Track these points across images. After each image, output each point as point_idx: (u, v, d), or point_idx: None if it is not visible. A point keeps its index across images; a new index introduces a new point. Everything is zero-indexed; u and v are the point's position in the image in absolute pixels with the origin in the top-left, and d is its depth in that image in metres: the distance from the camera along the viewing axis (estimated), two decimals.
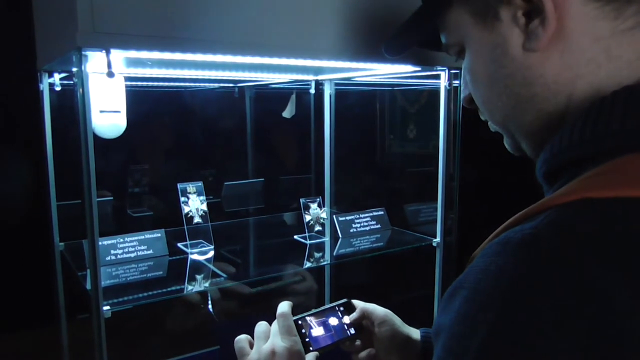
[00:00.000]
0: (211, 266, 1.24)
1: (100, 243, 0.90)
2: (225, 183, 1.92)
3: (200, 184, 1.33)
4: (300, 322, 0.81)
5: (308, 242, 1.40)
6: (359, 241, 1.46)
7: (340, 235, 1.46)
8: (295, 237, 1.45)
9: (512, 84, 0.50)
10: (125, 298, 1.01)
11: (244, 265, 1.37)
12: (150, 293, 1.06)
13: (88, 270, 1.00)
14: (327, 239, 1.44)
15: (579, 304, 0.37)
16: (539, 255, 0.39)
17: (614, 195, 0.40)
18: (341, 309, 0.87)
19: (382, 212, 1.56)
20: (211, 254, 1.30)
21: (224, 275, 1.18)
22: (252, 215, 1.91)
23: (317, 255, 1.38)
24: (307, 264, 1.33)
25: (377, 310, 0.87)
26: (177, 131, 2.09)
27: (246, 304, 1.34)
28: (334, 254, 1.40)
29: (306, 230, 1.41)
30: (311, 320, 0.83)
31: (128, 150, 1.86)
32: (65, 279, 1.37)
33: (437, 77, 1.28)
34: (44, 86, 1.27)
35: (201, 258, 1.28)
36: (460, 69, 1.24)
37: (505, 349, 0.38)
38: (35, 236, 1.61)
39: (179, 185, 1.30)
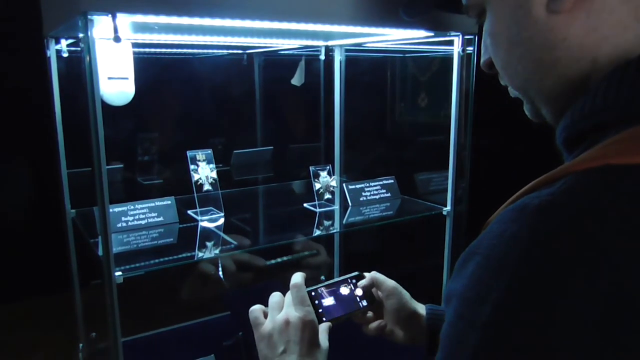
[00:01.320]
0: (221, 233, 1.25)
1: (110, 210, 0.90)
2: (235, 151, 1.92)
3: (209, 151, 1.33)
4: (313, 293, 0.82)
5: (318, 210, 1.41)
6: (368, 209, 1.46)
7: (350, 204, 1.45)
8: (305, 205, 1.45)
9: (534, 47, 0.48)
10: (137, 264, 1.02)
11: (254, 233, 1.37)
12: (161, 259, 1.07)
13: (99, 237, 1.01)
14: (336, 207, 1.44)
15: (594, 273, 0.36)
16: (555, 222, 0.38)
17: (637, 162, 0.39)
18: (353, 281, 0.88)
19: (392, 181, 1.55)
20: (221, 221, 1.31)
21: (234, 242, 1.19)
22: (261, 183, 1.91)
23: (326, 223, 1.38)
24: (317, 232, 1.34)
25: (387, 282, 0.88)
26: (186, 99, 2.08)
27: (259, 274, 1.35)
28: (344, 222, 1.40)
29: (316, 199, 1.41)
30: (324, 291, 0.84)
31: (137, 118, 1.85)
32: (77, 245, 1.38)
33: (450, 43, 1.25)
34: (51, 53, 1.26)
35: (211, 225, 1.29)
36: (474, 34, 1.22)
37: (517, 315, 0.38)
38: (47, 204, 1.63)
39: (189, 153, 1.30)
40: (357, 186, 1.49)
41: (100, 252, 0.97)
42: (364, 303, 0.86)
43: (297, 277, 0.80)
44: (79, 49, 1.23)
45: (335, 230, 1.46)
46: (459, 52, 1.23)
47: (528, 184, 0.44)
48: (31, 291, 2.66)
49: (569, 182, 0.40)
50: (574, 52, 0.47)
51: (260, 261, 1.35)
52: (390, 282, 0.88)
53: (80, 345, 1.44)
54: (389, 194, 1.53)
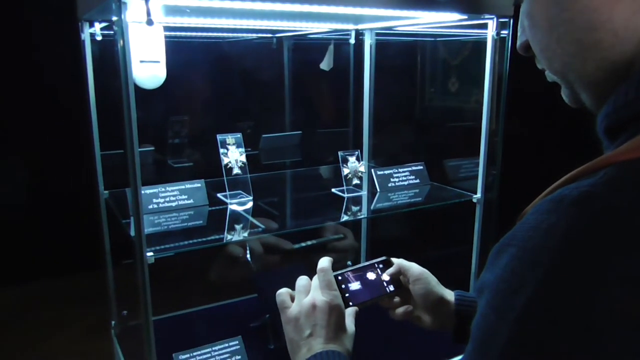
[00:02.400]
0: (249, 217, 1.26)
1: (142, 192, 0.92)
2: (263, 135, 1.92)
3: (239, 135, 1.34)
4: (340, 277, 0.82)
5: (345, 195, 1.40)
6: (397, 196, 1.45)
7: (378, 189, 1.45)
8: (333, 190, 1.45)
9: (574, 28, 0.46)
10: (168, 245, 1.04)
11: (281, 217, 1.38)
12: (191, 241, 1.09)
13: (132, 218, 1.03)
14: (364, 192, 1.43)
15: (634, 267, 0.35)
16: (594, 214, 0.37)
17: None
18: (380, 266, 0.88)
19: (421, 167, 1.54)
20: (250, 204, 1.32)
21: (262, 226, 1.20)
22: (289, 168, 1.92)
23: (354, 208, 1.38)
24: (344, 217, 1.34)
25: (414, 267, 0.88)
26: (216, 82, 2.09)
27: (286, 258, 1.36)
28: (372, 207, 1.40)
29: (344, 184, 1.40)
30: (351, 276, 0.84)
31: (167, 101, 1.87)
32: (110, 226, 1.42)
33: (484, 26, 1.22)
34: (85, 36, 1.28)
35: (240, 209, 1.30)
36: (509, 17, 1.18)
37: (552, 308, 0.37)
38: (81, 185, 1.67)
39: (219, 137, 1.31)
40: (386, 172, 1.48)
41: (132, 233, 0.99)
42: (391, 288, 0.86)
43: (324, 261, 0.81)
44: (112, 32, 1.25)
45: (362, 216, 1.46)
46: (493, 36, 1.20)
47: (566, 175, 0.43)
48: (65, 269, 2.75)
49: (609, 173, 0.39)
50: (617, 34, 0.44)
51: (287, 244, 1.36)
52: (417, 268, 0.88)
53: (113, 322, 1.48)
54: (417, 180, 1.51)
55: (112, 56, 0.95)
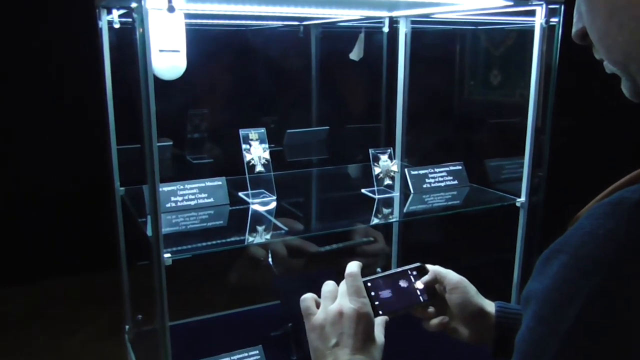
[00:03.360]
0: (272, 218, 1.26)
1: (160, 189, 0.93)
2: (288, 131, 1.93)
3: (262, 130, 1.34)
4: (369, 284, 0.82)
5: (376, 196, 1.40)
6: (432, 198, 1.44)
7: (412, 191, 1.44)
8: (363, 190, 1.44)
9: (639, 14, 0.45)
10: (186, 246, 1.06)
11: (306, 219, 1.38)
12: (210, 242, 1.10)
13: (149, 217, 1.05)
14: (397, 194, 1.42)
15: None
16: None
17: None
18: (414, 273, 0.87)
19: (459, 167, 1.52)
20: (273, 205, 1.33)
21: (285, 228, 1.21)
22: (315, 165, 1.92)
23: (385, 211, 1.37)
24: (375, 220, 1.33)
25: (450, 275, 0.87)
26: (238, 73, 2.11)
27: (311, 261, 1.36)
28: (404, 210, 1.39)
29: (375, 184, 1.40)
30: (381, 283, 0.84)
31: (187, 93, 1.90)
32: (125, 224, 1.44)
33: (531, 13, 1.20)
34: (103, 24, 1.31)
35: (262, 209, 1.31)
36: (560, 3, 1.16)
37: (608, 320, 0.36)
38: (96, 180, 1.71)
39: (241, 132, 1.32)
40: (421, 172, 1.47)
41: (149, 232, 1.01)
42: (425, 297, 0.85)
43: (353, 266, 0.80)
44: (130, 19, 1.27)
45: (394, 219, 1.44)
46: (541, 24, 1.18)
47: (626, 176, 0.42)
48: (78, 268, 2.81)
49: None
50: None
51: (312, 247, 1.36)
52: (454, 275, 0.86)
53: (127, 326, 1.51)
54: (455, 182, 1.50)
55: (131, 45, 0.97)
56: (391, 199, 1.41)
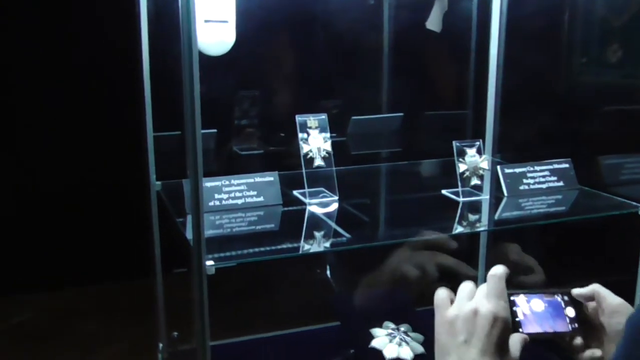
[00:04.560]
0: (332, 224, 1.26)
1: (203, 185, 0.94)
2: (353, 117, 1.93)
3: (324, 116, 1.35)
4: (512, 297, 0.85)
5: (461, 199, 1.38)
6: (530, 202, 1.42)
7: (505, 193, 1.42)
8: (444, 192, 1.43)
9: None
10: (231, 253, 1.07)
11: (374, 225, 1.38)
12: (259, 249, 1.11)
13: (189, 217, 1.06)
14: (486, 197, 1.40)
15: None
16: None
17: None
18: (565, 298, 0.90)
19: (566, 165, 1.49)
20: (334, 206, 1.33)
21: (347, 235, 1.20)
22: (385, 160, 1.91)
23: (472, 217, 1.36)
24: (458, 229, 1.31)
25: (610, 297, 0.87)
26: (295, 49, 2.12)
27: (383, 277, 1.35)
28: (496, 217, 1.37)
29: (459, 184, 1.38)
30: (525, 300, 0.87)
31: (235, 71, 1.92)
32: (161, 224, 1.48)
33: None
34: None
35: (321, 211, 1.31)
36: None
37: None
38: (128, 173, 1.76)
39: (298, 118, 1.33)
40: (517, 170, 1.45)
41: (188, 235, 1.03)
42: (574, 326, 0.87)
43: (499, 268, 0.84)
44: None
45: (483, 228, 1.43)
46: None
47: None
48: (107, 274, 2.91)
49: None
50: None
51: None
52: (615, 298, 0.87)
53: (160, 344, 1.55)
54: (560, 183, 1.47)
55: (172, 15, 0.99)
56: (479, 203, 1.39)
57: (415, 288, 1.36)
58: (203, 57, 1.25)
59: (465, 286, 0.84)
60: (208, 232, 1.11)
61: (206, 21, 1.26)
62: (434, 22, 1.62)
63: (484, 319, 0.78)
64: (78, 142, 2.89)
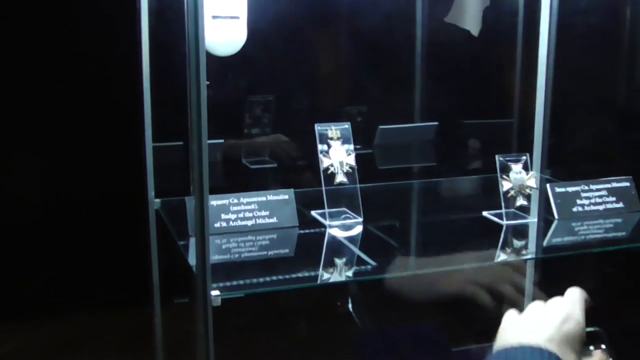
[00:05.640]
0: (356, 249, 1.26)
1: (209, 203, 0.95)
2: (380, 127, 1.93)
3: (346, 125, 1.35)
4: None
5: (504, 222, 1.38)
6: (585, 227, 1.41)
7: (556, 216, 1.41)
8: (485, 213, 1.43)
9: None
10: (240, 282, 1.07)
11: (403, 251, 1.37)
12: (271, 278, 1.11)
13: (192, 240, 1.07)
14: (534, 219, 1.40)
15: None
16: None
17: None
18: (590, 347, 0.89)
19: (627, 184, 1.49)
20: (358, 229, 1.33)
21: (373, 263, 1.20)
22: (417, 176, 1.90)
23: (517, 243, 1.35)
24: (501, 256, 1.31)
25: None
26: (315, 48, 2.12)
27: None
28: (545, 243, 1.36)
29: (502, 205, 1.38)
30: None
31: (246, 73, 1.93)
32: (160, 247, 1.49)
33: None
34: None
35: (344, 234, 1.31)
36: None
37: None
38: (123, 188, 1.77)
39: (317, 127, 1.33)
40: (569, 189, 1.45)
41: (191, 261, 1.03)
42: None
43: (576, 290, 0.88)
44: None
45: (530, 256, 1.42)
46: None
47: None
48: (100, 302, 2.91)
49: None
50: None
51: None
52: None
53: None
54: (620, 204, 1.46)
55: (177, 10, 1.00)
56: (525, 227, 1.39)
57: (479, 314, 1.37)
58: (210, 57, 1.27)
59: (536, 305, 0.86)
60: (214, 258, 1.12)
61: (214, 17, 1.27)
62: (470, 23, 1.62)
63: (555, 316, 0.80)
64: (65, 154, 2.87)
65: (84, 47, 2.75)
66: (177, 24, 0.99)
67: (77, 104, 2.77)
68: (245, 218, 1.29)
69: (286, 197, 1.33)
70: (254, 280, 1.09)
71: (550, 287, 1.69)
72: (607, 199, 1.46)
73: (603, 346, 0.89)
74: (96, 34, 2.63)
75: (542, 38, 1.58)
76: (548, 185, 1.44)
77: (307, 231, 1.32)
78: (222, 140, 1.79)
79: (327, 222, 1.33)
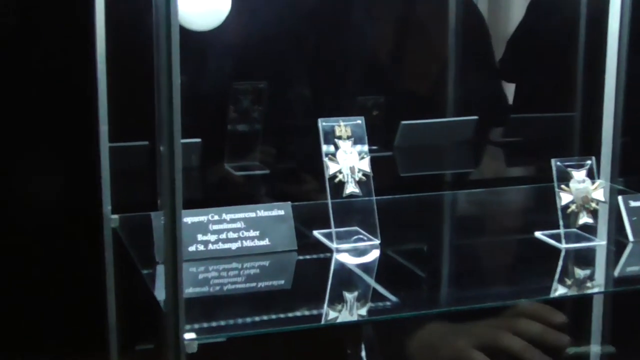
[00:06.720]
0: (371, 280, 1.26)
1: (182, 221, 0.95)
2: (403, 122, 1.93)
3: (359, 121, 1.35)
4: None
5: (563, 245, 1.37)
6: None
7: (630, 237, 1.41)
8: (537, 234, 1.43)
9: None
10: (220, 322, 1.07)
11: (430, 283, 1.38)
12: (261, 318, 1.10)
13: (159, 267, 1.06)
14: (602, 242, 1.40)
15: None
16: None
17: None
18: None
19: None
20: (374, 254, 1.33)
21: (393, 298, 1.20)
22: (450, 186, 1.91)
23: (580, 272, 1.34)
24: (560, 290, 1.30)
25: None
26: (320, 22, 2.13)
27: None
28: (616, 273, 1.37)
29: (560, 223, 1.37)
30: None
31: (230, 54, 1.94)
32: (118, 276, 1.49)
33: None
34: None
35: (355, 261, 1.31)
36: None
37: None
38: (74, 200, 1.77)
39: (322, 123, 1.33)
40: None
41: (160, 296, 1.03)
42: None
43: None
44: None
45: (597, 289, 1.42)
46: None
47: None
48: (44, 346, 2.91)
49: None
50: None
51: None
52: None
53: None
54: None
55: None
56: (591, 252, 1.39)
57: None
58: (186, 33, 1.27)
59: None
60: (188, 291, 1.11)
61: None
62: None
63: None
64: (7, 157, 2.91)
65: (24, 23, 2.79)
66: None
67: (19, 98, 2.80)
68: (228, 240, 1.28)
69: (281, 212, 1.32)
70: (239, 320, 1.08)
71: (621, 330, 1.70)
72: None
73: None
74: (40, 16, 2.66)
75: (612, 16, 1.59)
76: (620, 198, 1.44)
77: (308, 257, 1.32)
78: (199, 140, 1.79)
79: (333, 245, 1.33)
